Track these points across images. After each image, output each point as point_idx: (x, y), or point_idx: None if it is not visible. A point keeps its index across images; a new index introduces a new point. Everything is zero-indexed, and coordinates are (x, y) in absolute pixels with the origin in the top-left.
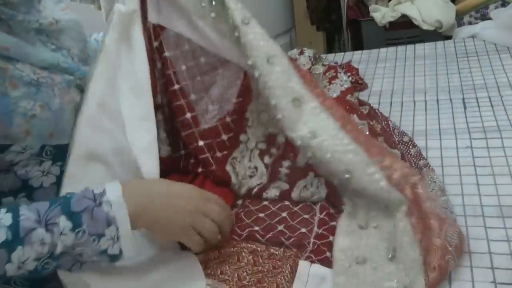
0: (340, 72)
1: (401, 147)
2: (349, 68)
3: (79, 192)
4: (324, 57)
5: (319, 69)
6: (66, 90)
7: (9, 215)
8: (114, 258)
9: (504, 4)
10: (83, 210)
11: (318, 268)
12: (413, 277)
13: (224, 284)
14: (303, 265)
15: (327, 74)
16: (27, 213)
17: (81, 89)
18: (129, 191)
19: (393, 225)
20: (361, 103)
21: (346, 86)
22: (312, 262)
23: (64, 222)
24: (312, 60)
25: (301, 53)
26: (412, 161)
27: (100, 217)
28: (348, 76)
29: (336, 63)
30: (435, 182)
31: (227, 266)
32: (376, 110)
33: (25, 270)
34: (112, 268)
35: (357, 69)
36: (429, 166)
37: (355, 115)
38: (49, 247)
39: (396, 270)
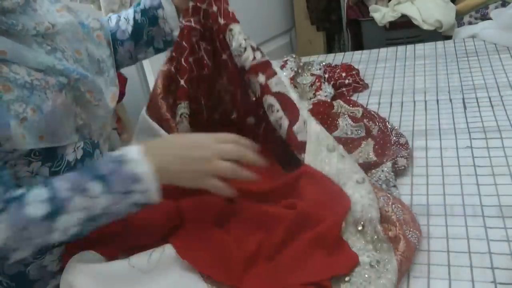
0: (324, 82)
1: (394, 148)
2: (349, 68)
3: (102, 159)
4: (313, 63)
5: (307, 79)
6: (58, 93)
7: (45, 189)
8: (141, 206)
9: (504, 4)
10: (111, 172)
11: None
12: (384, 252)
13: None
14: None
15: (313, 86)
16: (61, 183)
17: (78, 90)
18: (149, 151)
19: (360, 196)
20: (354, 104)
21: (328, 98)
22: None
23: (96, 186)
24: (297, 69)
25: (283, 66)
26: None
27: (127, 176)
28: (348, 77)
29: (328, 64)
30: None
31: None
32: (373, 112)
33: (69, 236)
34: (108, 276)
35: (357, 70)
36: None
37: (348, 119)
38: (87, 211)
39: (366, 245)
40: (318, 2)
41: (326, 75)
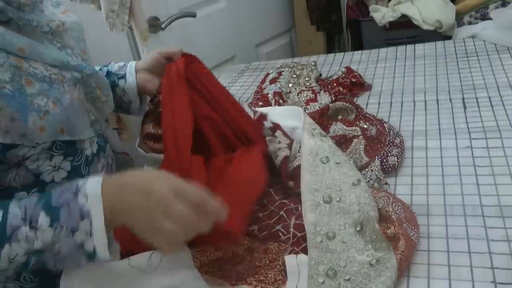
0: (319, 92)
1: (388, 149)
2: (350, 70)
3: (64, 185)
4: (310, 75)
5: (302, 96)
6: (73, 88)
7: (0, 213)
8: (90, 256)
9: (504, 4)
10: (62, 204)
11: (304, 257)
12: (383, 251)
13: (223, 280)
14: (289, 259)
15: (304, 94)
16: (15, 210)
17: (90, 86)
18: (109, 187)
19: (357, 197)
20: (351, 103)
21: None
22: (297, 253)
23: (42, 218)
24: (290, 84)
25: (279, 75)
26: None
27: (75, 210)
28: (352, 78)
29: (325, 79)
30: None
31: (223, 264)
32: (367, 114)
33: (17, 265)
34: (108, 276)
35: (359, 74)
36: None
37: (340, 124)
38: (30, 243)
39: (365, 245)
40: (318, 2)
41: (322, 90)
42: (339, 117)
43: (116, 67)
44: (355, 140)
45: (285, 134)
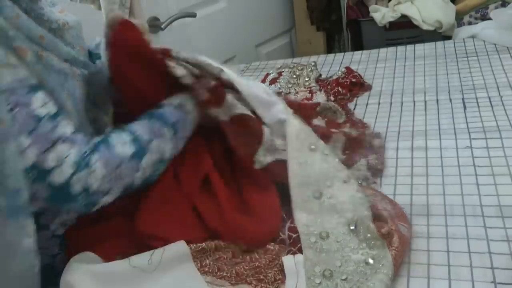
0: (315, 92)
1: (366, 152)
2: (350, 70)
3: (166, 106)
4: (310, 75)
5: (298, 96)
6: (81, 83)
7: (126, 133)
8: None
9: (504, 4)
10: (177, 120)
11: (301, 257)
12: (378, 249)
13: (223, 280)
14: (287, 259)
15: (301, 93)
16: (140, 128)
17: (93, 84)
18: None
19: (350, 196)
20: (342, 107)
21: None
22: (294, 253)
23: (168, 132)
24: (290, 85)
25: (279, 75)
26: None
27: (187, 122)
28: (352, 78)
29: (325, 80)
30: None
31: (223, 264)
32: (355, 119)
33: (144, 178)
34: (109, 276)
35: (359, 74)
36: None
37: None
38: (161, 154)
39: (360, 244)
40: (318, 2)
41: (322, 90)
42: (328, 114)
43: (93, 47)
44: (335, 136)
45: (242, 122)
